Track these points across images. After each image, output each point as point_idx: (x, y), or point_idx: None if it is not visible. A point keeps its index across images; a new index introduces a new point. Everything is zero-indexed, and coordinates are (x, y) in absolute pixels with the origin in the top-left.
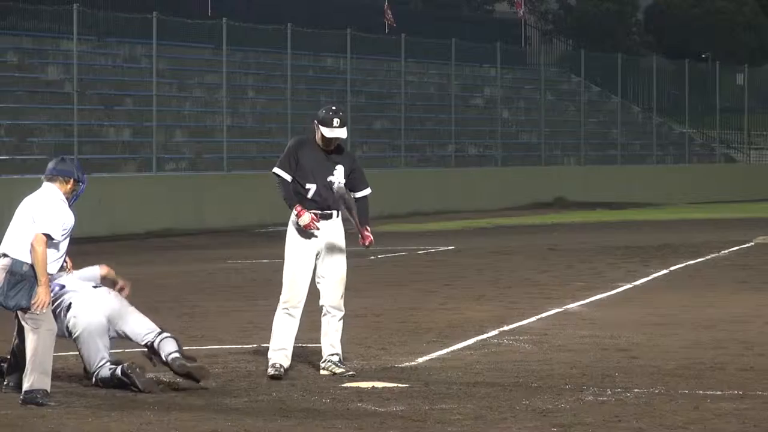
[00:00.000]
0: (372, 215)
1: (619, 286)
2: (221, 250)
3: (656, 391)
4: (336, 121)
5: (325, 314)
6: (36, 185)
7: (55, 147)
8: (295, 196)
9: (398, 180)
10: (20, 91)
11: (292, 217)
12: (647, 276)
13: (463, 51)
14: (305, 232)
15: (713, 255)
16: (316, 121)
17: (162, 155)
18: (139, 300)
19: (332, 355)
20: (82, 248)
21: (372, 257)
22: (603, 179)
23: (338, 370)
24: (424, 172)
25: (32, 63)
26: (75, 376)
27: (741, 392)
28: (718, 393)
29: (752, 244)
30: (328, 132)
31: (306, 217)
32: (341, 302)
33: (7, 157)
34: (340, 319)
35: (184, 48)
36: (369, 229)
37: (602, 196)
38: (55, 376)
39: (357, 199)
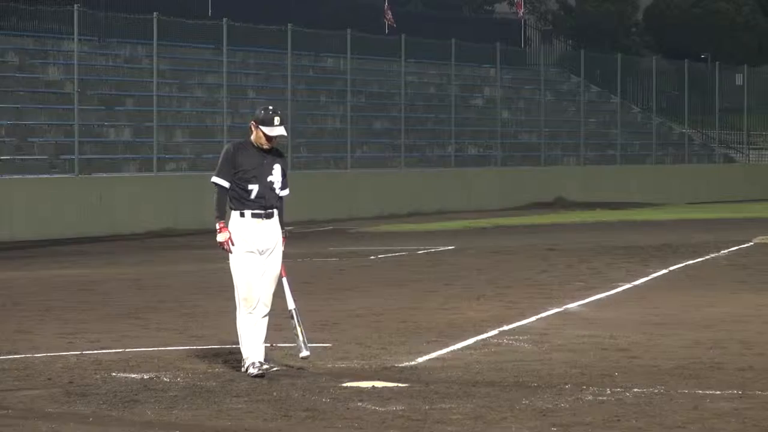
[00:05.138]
0: (372, 215)
1: (619, 286)
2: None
3: (656, 391)
4: (276, 120)
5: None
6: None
7: (56, 147)
8: (232, 202)
9: (398, 180)
10: (21, 91)
11: (232, 221)
12: (647, 276)
13: (463, 51)
14: (246, 232)
15: (713, 255)
16: (254, 123)
17: (162, 155)
18: (139, 300)
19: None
20: (83, 248)
21: (372, 257)
22: (603, 179)
23: (257, 372)
24: (424, 172)
25: (33, 63)
26: (76, 375)
27: (740, 392)
28: (718, 393)
29: (752, 244)
30: (270, 131)
31: (224, 236)
32: (271, 299)
33: (8, 157)
34: (265, 315)
35: (184, 48)
36: (285, 232)
37: (602, 196)
38: (55, 375)
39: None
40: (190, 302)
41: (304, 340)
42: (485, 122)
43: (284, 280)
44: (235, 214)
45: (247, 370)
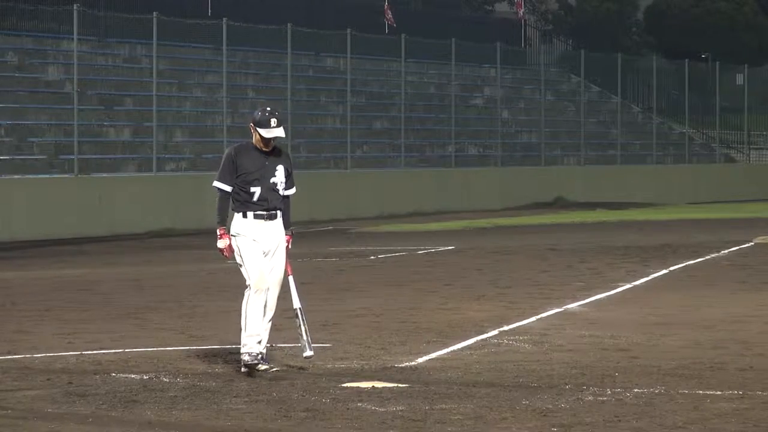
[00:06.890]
0: (372, 215)
1: (619, 286)
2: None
3: (656, 391)
4: (273, 122)
5: None
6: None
7: (55, 147)
8: (234, 203)
9: (398, 180)
10: (20, 91)
11: (235, 222)
12: (647, 276)
13: (463, 51)
14: (249, 232)
15: (713, 255)
16: (252, 124)
17: (162, 155)
18: (139, 300)
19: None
20: (83, 248)
21: (372, 257)
22: (603, 179)
23: (262, 368)
24: (424, 172)
25: (32, 63)
26: (75, 376)
27: (741, 392)
28: (718, 393)
29: (752, 244)
30: (266, 133)
31: (224, 243)
32: (275, 303)
33: (7, 157)
34: (270, 320)
35: (184, 48)
36: (291, 230)
37: (602, 196)
38: (55, 375)
39: (283, 197)
40: (190, 302)
41: (308, 339)
42: (485, 122)
43: (290, 278)
44: (237, 216)
45: (242, 356)
